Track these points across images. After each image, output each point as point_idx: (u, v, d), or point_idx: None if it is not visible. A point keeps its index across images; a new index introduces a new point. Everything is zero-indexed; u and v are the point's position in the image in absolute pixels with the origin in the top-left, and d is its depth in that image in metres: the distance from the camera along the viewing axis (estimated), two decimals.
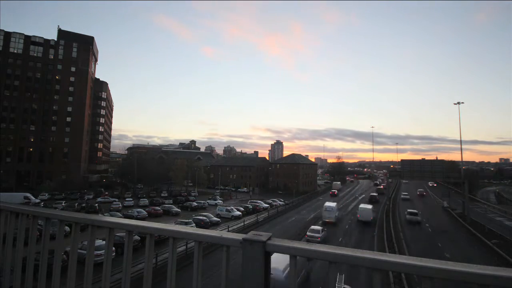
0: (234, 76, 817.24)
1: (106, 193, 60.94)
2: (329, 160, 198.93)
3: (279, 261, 12.13)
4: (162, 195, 64.03)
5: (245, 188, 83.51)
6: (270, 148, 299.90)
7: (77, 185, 64.05)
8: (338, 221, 37.97)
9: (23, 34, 70.65)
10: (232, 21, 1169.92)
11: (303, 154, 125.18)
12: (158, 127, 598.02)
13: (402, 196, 66.97)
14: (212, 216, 37.13)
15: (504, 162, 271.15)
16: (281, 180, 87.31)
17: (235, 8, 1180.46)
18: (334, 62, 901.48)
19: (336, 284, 13.51)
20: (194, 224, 31.36)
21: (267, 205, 49.04)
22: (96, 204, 44.44)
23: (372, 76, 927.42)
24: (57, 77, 73.37)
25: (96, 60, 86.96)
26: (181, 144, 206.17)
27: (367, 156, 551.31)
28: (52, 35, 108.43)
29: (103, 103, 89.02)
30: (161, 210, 42.18)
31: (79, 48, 76.04)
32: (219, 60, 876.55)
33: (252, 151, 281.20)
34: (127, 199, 53.49)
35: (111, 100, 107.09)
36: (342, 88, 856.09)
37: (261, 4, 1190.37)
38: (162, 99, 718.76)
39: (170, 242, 1.54)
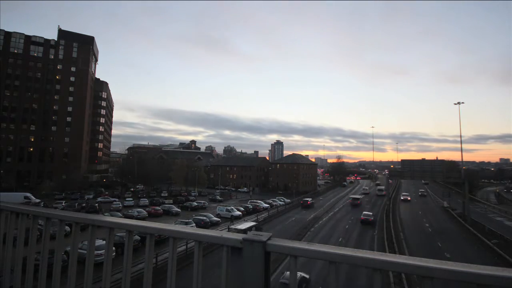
0: (235, 73, 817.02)
1: (106, 193, 60.92)
2: (329, 160, 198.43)
3: None
4: (162, 195, 63.99)
5: (245, 188, 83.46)
6: (270, 148, 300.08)
7: (77, 185, 64.00)
8: None
9: (23, 34, 70.65)
10: (249, 13, 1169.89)
11: (303, 154, 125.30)
12: (159, 126, 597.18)
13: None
14: (212, 216, 37.12)
15: (504, 162, 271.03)
16: (281, 180, 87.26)
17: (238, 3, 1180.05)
18: (335, 62, 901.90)
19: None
20: (194, 224, 31.36)
21: (267, 205, 49.10)
22: (96, 204, 44.47)
23: (372, 76, 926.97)
24: (57, 77, 73.38)
25: (96, 60, 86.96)
26: (181, 144, 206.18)
27: (367, 156, 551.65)
28: (52, 35, 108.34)
29: (103, 103, 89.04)
30: (161, 210, 42.18)
31: (79, 48, 76.04)
32: (221, 58, 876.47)
33: (252, 151, 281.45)
34: (127, 199, 53.45)
35: (111, 100, 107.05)
36: (342, 88, 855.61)
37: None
38: (162, 99, 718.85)
39: (170, 242, 1.54)
